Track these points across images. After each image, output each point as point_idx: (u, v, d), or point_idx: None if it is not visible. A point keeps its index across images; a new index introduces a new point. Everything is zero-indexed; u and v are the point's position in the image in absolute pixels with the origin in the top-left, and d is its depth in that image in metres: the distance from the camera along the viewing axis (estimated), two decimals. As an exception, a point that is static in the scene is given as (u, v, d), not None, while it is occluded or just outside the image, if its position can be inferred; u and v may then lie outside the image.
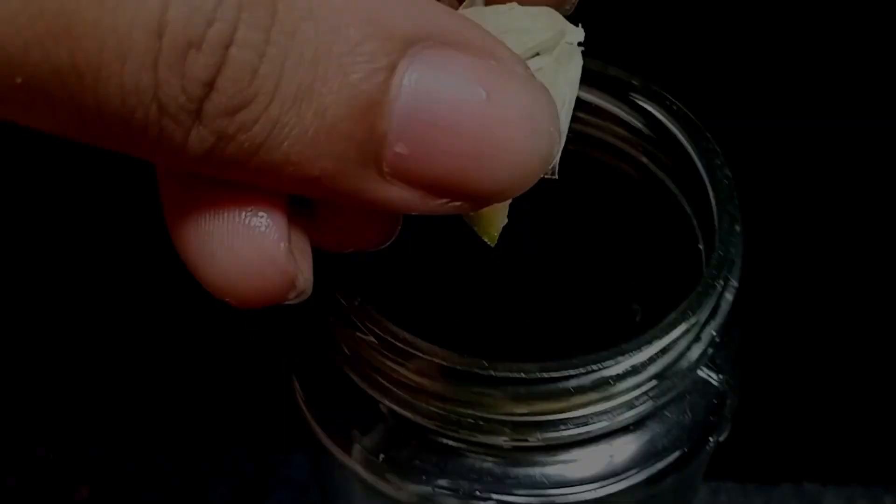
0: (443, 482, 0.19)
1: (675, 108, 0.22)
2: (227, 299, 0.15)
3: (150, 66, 0.12)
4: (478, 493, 0.19)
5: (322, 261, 0.19)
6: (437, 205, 0.15)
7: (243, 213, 0.14)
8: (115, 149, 0.13)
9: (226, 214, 0.14)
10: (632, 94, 0.22)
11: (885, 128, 0.31)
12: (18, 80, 0.12)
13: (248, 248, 0.14)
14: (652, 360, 0.18)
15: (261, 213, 0.14)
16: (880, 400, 0.39)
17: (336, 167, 0.14)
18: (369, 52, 0.13)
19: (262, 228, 0.14)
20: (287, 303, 0.15)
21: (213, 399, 0.41)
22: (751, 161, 0.29)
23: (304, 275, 0.15)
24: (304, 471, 0.41)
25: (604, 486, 0.19)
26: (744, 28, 0.30)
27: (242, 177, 0.14)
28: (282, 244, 0.15)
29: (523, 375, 0.17)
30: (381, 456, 0.20)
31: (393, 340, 0.18)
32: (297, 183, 0.14)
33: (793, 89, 0.31)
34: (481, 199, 0.15)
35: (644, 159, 0.23)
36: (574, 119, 0.23)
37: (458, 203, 0.15)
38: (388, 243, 0.17)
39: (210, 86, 0.12)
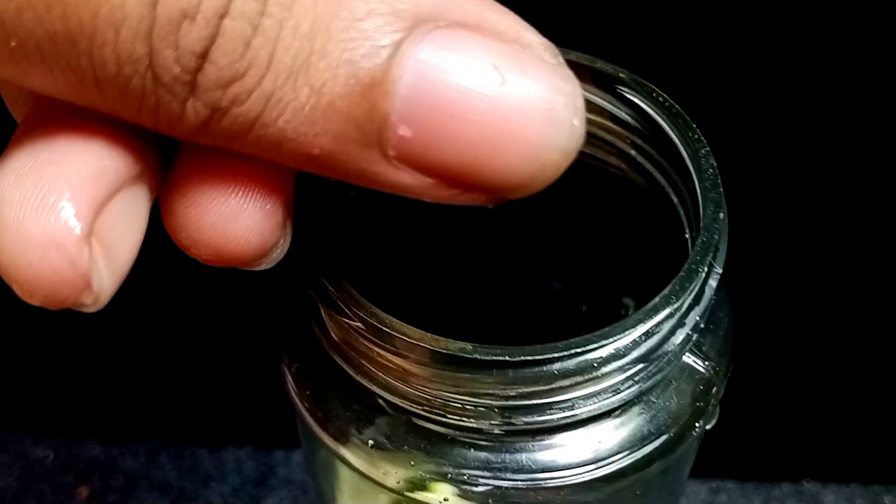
0: (432, 468, 0.20)
1: (661, 99, 0.22)
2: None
3: (144, 36, 0.12)
4: (466, 478, 0.19)
5: (309, 249, 0.19)
6: (450, 195, 0.14)
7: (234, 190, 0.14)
8: (121, 117, 0.13)
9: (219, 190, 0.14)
10: (619, 86, 0.23)
11: (869, 111, 0.32)
12: (13, 44, 0.12)
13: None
14: (636, 343, 0.18)
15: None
16: (880, 399, 0.39)
17: (335, 146, 0.13)
18: (373, 29, 0.13)
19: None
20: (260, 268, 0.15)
21: (213, 399, 0.41)
22: (741, 155, 0.29)
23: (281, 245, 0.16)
24: (303, 471, 0.41)
25: (591, 471, 0.19)
26: (733, 23, 0.30)
27: (244, 149, 0.13)
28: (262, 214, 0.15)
29: (508, 359, 0.18)
30: (370, 442, 0.20)
31: (380, 326, 0.18)
32: (298, 159, 0.13)
33: (782, 84, 0.31)
34: (498, 191, 0.14)
35: (632, 152, 0.23)
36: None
37: (474, 195, 0.14)
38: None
39: (203, 57, 0.12)
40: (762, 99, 0.31)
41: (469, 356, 0.18)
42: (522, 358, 0.18)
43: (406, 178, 0.14)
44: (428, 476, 0.20)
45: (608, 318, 0.24)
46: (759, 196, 0.33)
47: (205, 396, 0.41)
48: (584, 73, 0.23)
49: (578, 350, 0.18)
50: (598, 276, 0.26)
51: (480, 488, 0.19)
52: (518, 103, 0.13)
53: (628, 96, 0.22)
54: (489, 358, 0.18)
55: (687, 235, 0.22)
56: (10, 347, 0.41)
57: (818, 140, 0.32)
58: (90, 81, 0.12)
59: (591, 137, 0.24)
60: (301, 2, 0.12)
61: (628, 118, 0.23)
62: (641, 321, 0.18)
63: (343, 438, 0.21)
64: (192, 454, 0.41)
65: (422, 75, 0.13)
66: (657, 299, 0.19)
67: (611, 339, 0.18)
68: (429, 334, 0.18)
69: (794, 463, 0.41)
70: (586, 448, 0.20)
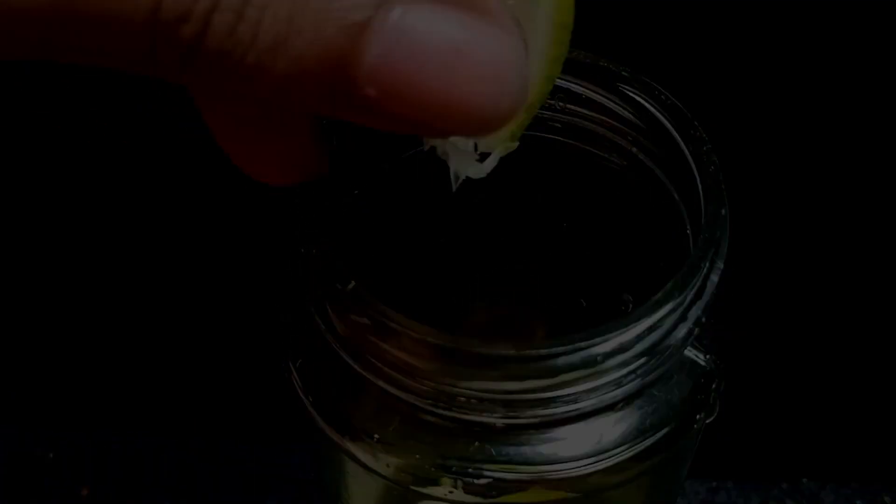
0: (437, 461, 0.20)
1: (663, 97, 0.22)
2: None
3: (149, 38, 0.14)
4: (471, 470, 0.20)
5: (314, 246, 0.19)
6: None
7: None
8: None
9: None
10: (621, 84, 0.23)
11: (870, 108, 0.32)
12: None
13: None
14: (639, 338, 0.18)
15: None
16: (879, 398, 0.39)
17: (311, 102, 0.15)
18: (345, 9, 0.14)
19: None
20: None
21: (213, 398, 0.41)
22: (743, 152, 0.29)
23: None
24: (304, 470, 0.41)
25: (593, 463, 0.20)
26: (734, 21, 0.30)
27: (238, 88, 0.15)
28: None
29: (514, 353, 0.18)
30: (376, 436, 0.20)
31: (386, 321, 0.18)
32: (292, 102, 0.15)
33: (784, 81, 0.32)
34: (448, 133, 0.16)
35: (634, 149, 0.24)
36: (563, 110, 0.24)
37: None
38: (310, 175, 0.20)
39: (198, 47, 0.14)
40: (763, 96, 0.32)
41: (475, 351, 0.18)
42: (527, 353, 0.18)
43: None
44: (433, 469, 0.20)
45: (608, 314, 0.24)
46: (760, 192, 0.33)
47: (206, 396, 0.41)
48: (586, 71, 0.23)
49: (583, 345, 0.18)
50: (598, 272, 0.26)
51: (484, 480, 0.20)
52: (471, 72, 0.15)
53: (630, 94, 0.23)
54: (494, 353, 0.18)
55: (688, 231, 0.22)
56: (9, 346, 0.41)
57: (819, 136, 0.33)
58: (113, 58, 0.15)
59: (593, 134, 0.24)
60: None
61: (630, 115, 0.23)
62: (645, 316, 0.18)
63: (348, 433, 0.21)
64: (193, 453, 0.41)
65: (388, 46, 0.14)
66: (660, 294, 0.19)
67: (615, 334, 0.18)
68: (434, 330, 0.18)
69: (792, 462, 0.41)
70: (588, 441, 0.20)
